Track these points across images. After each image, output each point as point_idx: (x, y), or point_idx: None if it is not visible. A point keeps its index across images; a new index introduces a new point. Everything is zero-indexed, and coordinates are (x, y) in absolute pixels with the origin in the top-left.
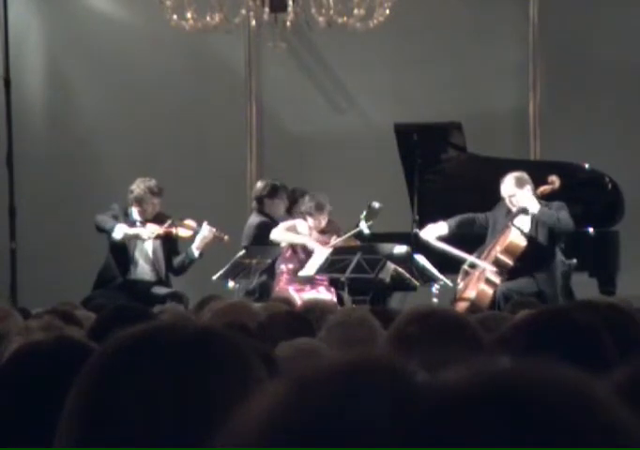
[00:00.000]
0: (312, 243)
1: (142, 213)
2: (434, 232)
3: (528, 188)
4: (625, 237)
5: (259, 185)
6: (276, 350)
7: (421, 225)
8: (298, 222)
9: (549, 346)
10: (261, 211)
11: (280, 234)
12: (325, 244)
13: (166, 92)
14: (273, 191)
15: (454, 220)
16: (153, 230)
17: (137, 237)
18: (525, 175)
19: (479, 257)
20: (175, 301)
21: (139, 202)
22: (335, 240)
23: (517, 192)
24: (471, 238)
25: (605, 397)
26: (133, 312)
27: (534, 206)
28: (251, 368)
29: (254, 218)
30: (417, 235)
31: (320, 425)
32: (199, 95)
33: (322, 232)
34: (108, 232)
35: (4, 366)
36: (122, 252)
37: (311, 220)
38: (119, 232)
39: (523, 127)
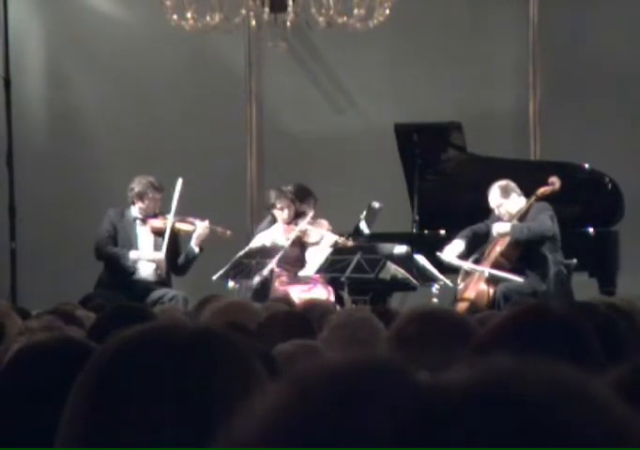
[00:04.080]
0: (277, 238)
1: (144, 209)
2: (453, 252)
3: (514, 197)
4: (625, 237)
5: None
6: (276, 350)
7: (421, 226)
8: (269, 231)
9: (532, 342)
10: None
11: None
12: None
13: (166, 92)
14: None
15: (465, 235)
16: (156, 226)
17: (152, 261)
18: (510, 184)
19: (478, 258)
20: (174, 301)
21: (141, 197)
22: (301, 224)
23: (504, 202)
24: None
25: (606, 397)
26: (133, 312)
27: (504, 229)
28: (251, 368)
29: (265, 225)
30: (439, 258)
31: (321, 425)
32: (199, 95)
33: (290, 221)
34: (120, 263)
35: (6, 366)
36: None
37: (278, 212)
38: (133, 257)
39: (523, 127)
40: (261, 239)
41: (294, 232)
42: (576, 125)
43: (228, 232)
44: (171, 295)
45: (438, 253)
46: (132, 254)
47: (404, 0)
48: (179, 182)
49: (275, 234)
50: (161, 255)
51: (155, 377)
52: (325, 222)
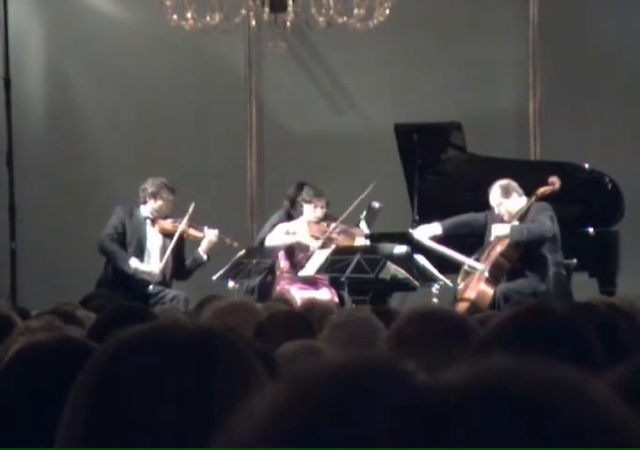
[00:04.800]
0: (305, 239)
1: (156, 209)
2: (426, 233)
3: (515, 197)
4: (625, 237)
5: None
6: (277, 350)
7: (419, 226)
8: (292, 224)
9: (532, 342)
10: (289, 214)
11: (273, 240)
12: (323, 232)
13: (166, 92)
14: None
15: (450, 222)
16: (157, 264)
17: (148, 274)
18: (511, 183)
19: (478, 258)
20: (175, 301)
21: (155, 196)
22: (333, 226)
23: (504, 202)
24: (471, 239)
25: (606, 397)
26: (133, 312)
27: (503, 232)
28: (251, 368)
29: (275, 218)
30: (410, 234)
31: (321, 425)
32: (199, 95)
33: (319, 222)
34: (117, 265)
35: (6, 366)
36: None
37: (310, 208)
38: (132, 266)
39: (523, 127)
40: (283, 228)
41: (336, 234)
42: (576, 125)
43: (235, 244)
44: (171, 295)
45: (411, 230)
46: (132, 262)
47: (404, 0)
48: (192, 206)
49: (298, 229)
50: (157, 269)
51: (155, 377)
52: (359, 230)
